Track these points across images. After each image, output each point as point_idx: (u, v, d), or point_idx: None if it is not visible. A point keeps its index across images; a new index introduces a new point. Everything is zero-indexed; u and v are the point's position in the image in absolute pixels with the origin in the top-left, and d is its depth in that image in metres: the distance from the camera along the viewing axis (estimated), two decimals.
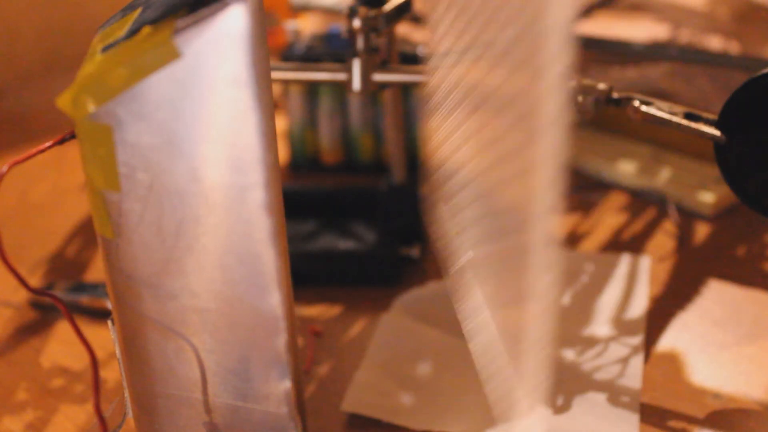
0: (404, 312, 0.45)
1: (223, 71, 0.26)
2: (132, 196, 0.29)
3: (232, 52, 0.26)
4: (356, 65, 0.43)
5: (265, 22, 0.27)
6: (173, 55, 0.26)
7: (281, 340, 0.32)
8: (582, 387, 0.40)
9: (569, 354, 0.42)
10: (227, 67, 0.26)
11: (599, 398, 0.39)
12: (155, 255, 0.30)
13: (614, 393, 0.39)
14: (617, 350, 0.42)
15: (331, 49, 0.56)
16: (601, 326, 0.44)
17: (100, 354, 0.43)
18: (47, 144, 0.29)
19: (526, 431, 0.30)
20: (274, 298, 0.31)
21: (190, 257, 0.30)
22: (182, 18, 0.27)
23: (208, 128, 0.27)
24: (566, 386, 0.40)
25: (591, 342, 0.43)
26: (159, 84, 0.27)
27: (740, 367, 0.41)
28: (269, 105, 0.28)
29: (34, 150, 0.29)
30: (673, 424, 0.37)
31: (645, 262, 0.48)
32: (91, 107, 0.27)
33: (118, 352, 0.33)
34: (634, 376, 0.40)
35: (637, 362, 0.41)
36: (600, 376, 0.40)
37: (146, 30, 0.27)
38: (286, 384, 0.33)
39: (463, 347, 0.42)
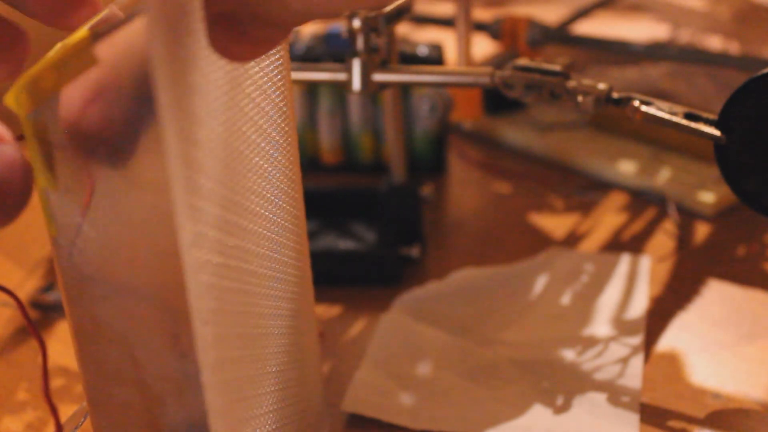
0: (404, 312, 0.45)
1: (135, 75, 0.26)
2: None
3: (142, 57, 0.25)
4: (356, 65, 0.43)
5: (186, 25, 0.25)
6: (91, 61, 0.26)
7: None
8: (582, 387, 0.40)
9: (569, 354, 0.42)
10: (139, 71, 0.26)
11: (599, 398, 0.39)
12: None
13: (614, 393, 0.39)
14: (617, 350, 0.42)
15: (330, 49, 0.56)
16: (601, 326, 0.44)
17: None
18: None
19: None
20: None
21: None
22: (101, 24, 0.26)
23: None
24: (566, 386, 0.40)
25: (591, 342, 0.43)
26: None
27: (740, 367, 0.41)
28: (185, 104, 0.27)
29: None
30: (673, 424, 0.37)
31: (645, 262, 0.48)
32: (29, 106, 0.27)
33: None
34: (634, 376, 0.40)
35: (637, 362, 0.41)
36: (600, 376, 0.40)
37: (80, 32, 0.26)
38: None
39: (462, 347, 0.43)
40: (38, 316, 0.47)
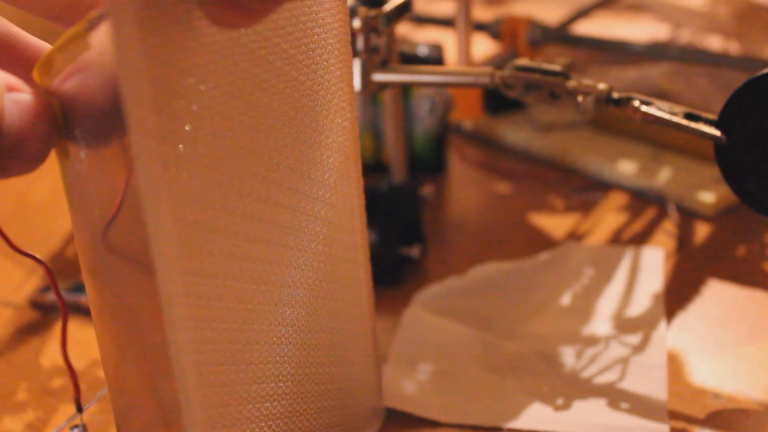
0: (425, 307, 0.45)
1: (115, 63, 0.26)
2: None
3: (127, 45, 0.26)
4: (356, 65, 0.43)
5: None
6: (84, 46, 0.26)
7: None
8: (609, 377, 0.40)
9: (593, 345, 0.42)
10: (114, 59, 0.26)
11: (626, 389, 0.39)
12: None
13: (641, 383, 0.39)
14: (640, 340, 0.42)
15: None
16: (621, 318, 0.44)
17: None
18: None
19: None
20: None
21: None
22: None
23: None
24: (593, 377, 0.40)
25: (613, 333, 0.43)
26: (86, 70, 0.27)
27: (740, 367, 0.41)
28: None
29: None
30: (673, 424, 0.37)
31: (658, 254, 0.49)
32: (47, 82, 0.28)
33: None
34: (659, 366, 0.40)
35: (661, 351, 0.41)
36: (625, 366, 0.41)
37: (82, 21, 0.27)
38: None
39: (487, 341, 0.43)
40: (38, 316, 0.47)
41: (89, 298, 0.31)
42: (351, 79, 0.34)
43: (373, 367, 0.38)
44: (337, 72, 0.33)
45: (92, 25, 0.27)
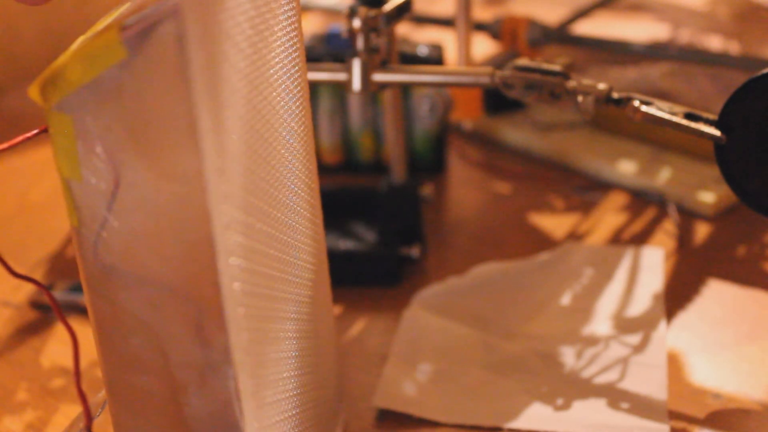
0: (424, 307, 0.45)
1: (166, 70, 0.26)
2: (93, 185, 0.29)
3: (172, 50, 0.26)
4: (356, 65, 0.43)
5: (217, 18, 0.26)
6: (120, 54, 0.26)
7: None
8: (609, 377, 0.40)
9: (593, 345, 0.42)
10: (169, 66, 0.26)
11: (627, 388, 0.39)
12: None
13: (641, 382, 0.40)
14: (639, 340, 0.42)
15: (331, 49, 0.56)
16: (620, 317, 0.44)
17: None
18: (19, 138, 0.29)
19: None
20: None
21: None
22: (130, 16, 0.26)
23: (163, 122, 0.27)
24: (593, 377, 0.40)
25: (613, 333, 0.43)
26: (112, 79, 0.26)
27: (740, 367, 0.41)
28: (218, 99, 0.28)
29: (5, 144, 0.29)
30: (673, 424, 0.37)
31: (658, 254, 0.49)
32: (55, 98, 0.27)
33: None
34: (658, 365, 0.40)
35: (661, 350, 0.41)
36: (625, 365, 0.41)
37: (107, 24, 0.26)
38: None
39: (487, 341, 0.43)
40: (38, 316, 0.47)
41: (90, 314, 0.31)
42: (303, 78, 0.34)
43: (335, 358, 0.38)
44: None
45: (126, 29, 0.26)
